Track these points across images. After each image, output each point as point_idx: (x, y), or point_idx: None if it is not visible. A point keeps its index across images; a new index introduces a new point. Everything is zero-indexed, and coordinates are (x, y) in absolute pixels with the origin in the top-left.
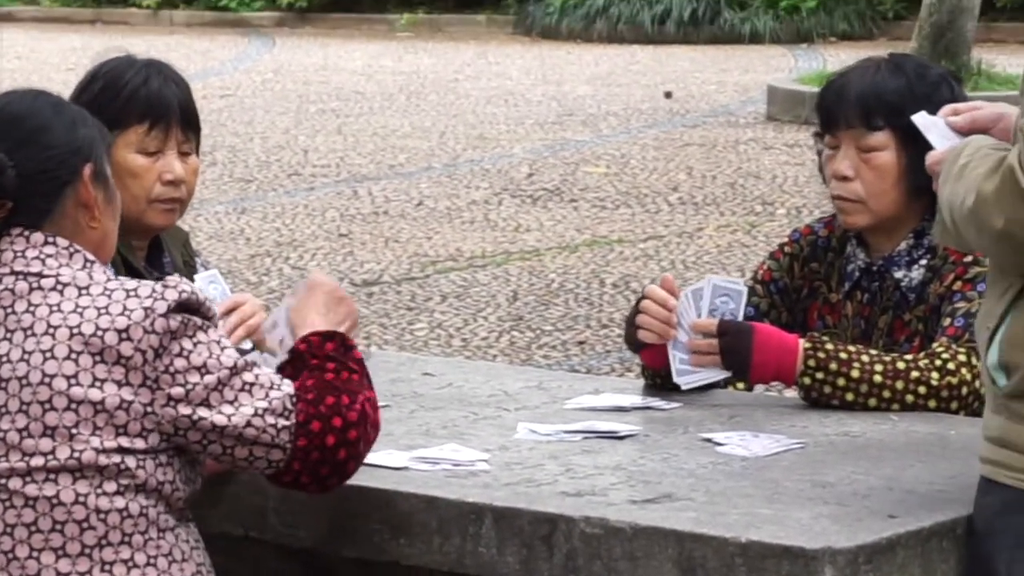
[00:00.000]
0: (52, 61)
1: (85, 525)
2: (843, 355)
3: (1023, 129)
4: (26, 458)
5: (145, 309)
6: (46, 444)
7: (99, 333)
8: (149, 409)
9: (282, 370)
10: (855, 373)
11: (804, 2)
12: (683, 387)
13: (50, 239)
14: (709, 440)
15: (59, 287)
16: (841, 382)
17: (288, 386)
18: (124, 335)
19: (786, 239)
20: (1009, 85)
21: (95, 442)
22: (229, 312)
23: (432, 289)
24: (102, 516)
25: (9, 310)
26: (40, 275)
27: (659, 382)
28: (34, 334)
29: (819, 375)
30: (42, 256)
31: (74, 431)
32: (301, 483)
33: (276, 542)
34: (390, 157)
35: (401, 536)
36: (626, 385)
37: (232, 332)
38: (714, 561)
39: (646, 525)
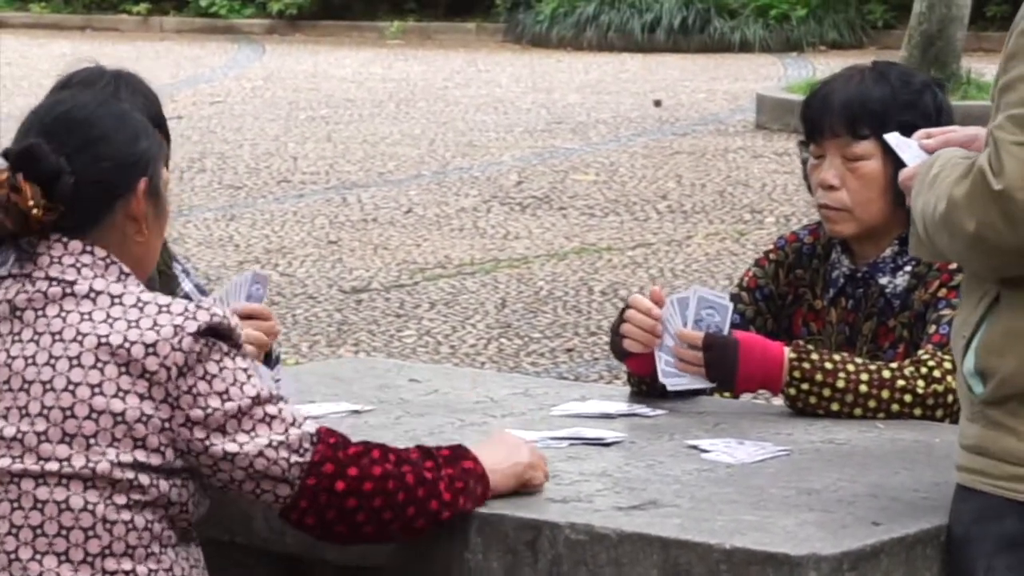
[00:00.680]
0: (42, 67)
1: (91, 533)
2: (829, 365)
3: (993, 132)
4: (41, 462)
5: (175, 327)
6: (63, 451)
7: (127, 345)
8: (167, 425)
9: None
10: (841, 383)
11: (794, 11)
12: (668, 388)
13: (88, 248)
14: (695, 447)
15: (92, 295)
16: (827, 392)
17: (311, 426)
18: (151, 349)
19: (772, 247)
20: None
21: (111, 454)
22: (246, 318)
23: (421, 296)
24: (108, 526)
25: (40, 313)
26: (74, 283)
27: (645, 389)
28: (62, 340)
29: (805, 386)
30: (78, 265)
31: (91, 441)
32: (306, 524)
33: (262, 548)
34: (379, 164)
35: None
36: (613, 392)
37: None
38: (699, 567)
39: (631, 531)
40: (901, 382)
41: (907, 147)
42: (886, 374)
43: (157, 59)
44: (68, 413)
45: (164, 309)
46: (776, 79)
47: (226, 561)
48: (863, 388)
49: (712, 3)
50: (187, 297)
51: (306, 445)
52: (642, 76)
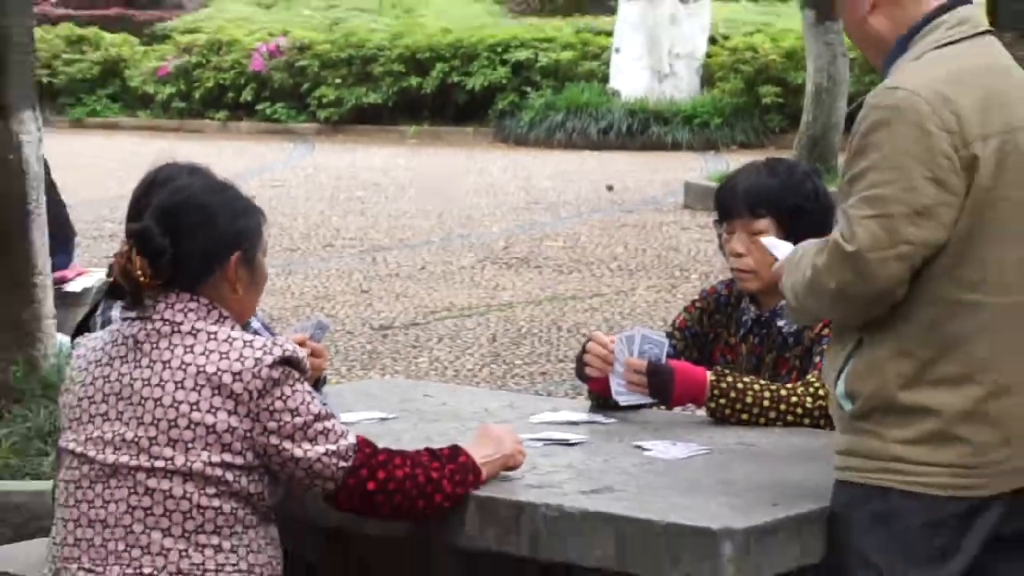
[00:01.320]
0: (147, 160)
1: (188, 515)
2: (740, 385)
3: (847, 211)
4: (151, 460)
5: (256, 359)
6: (168, 452)
7: (219, 373)
8: (248, 434)
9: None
10: (749, 399)
11: (712, 119)
12: (620, 403)
13: (195, 298)
14: (639, 447)
15: (194, 332)
16: (739, 406)
17: (352, 437)
18: (237, 376)
19: (697, 296)
20: None
21: (205, 456)
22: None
23: (432, 332)
24: (202, 510)
25: (155, 346)
26: (181, 323)
27: (601, 403)
28: (170, 367)
29: (722, 401)
30: (185, 310)
31: (190, 445)
32: (342, 508)
33: (312, 523)
34: (400, 233)
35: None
36: (577, 406)
37: None
38: (642, 538)
39: (592, 510)
40: (795, 399)
41: (776, 247)
42: (784, 392)
43: (233, 154)
44: (173, 424)
45: (248, 344)
46: (699, 170)
47: (283, 536)
48: (766, 403)
49: (651, 113)
50: (256, 333)
51: (350, 453)
52: (598, 168)
